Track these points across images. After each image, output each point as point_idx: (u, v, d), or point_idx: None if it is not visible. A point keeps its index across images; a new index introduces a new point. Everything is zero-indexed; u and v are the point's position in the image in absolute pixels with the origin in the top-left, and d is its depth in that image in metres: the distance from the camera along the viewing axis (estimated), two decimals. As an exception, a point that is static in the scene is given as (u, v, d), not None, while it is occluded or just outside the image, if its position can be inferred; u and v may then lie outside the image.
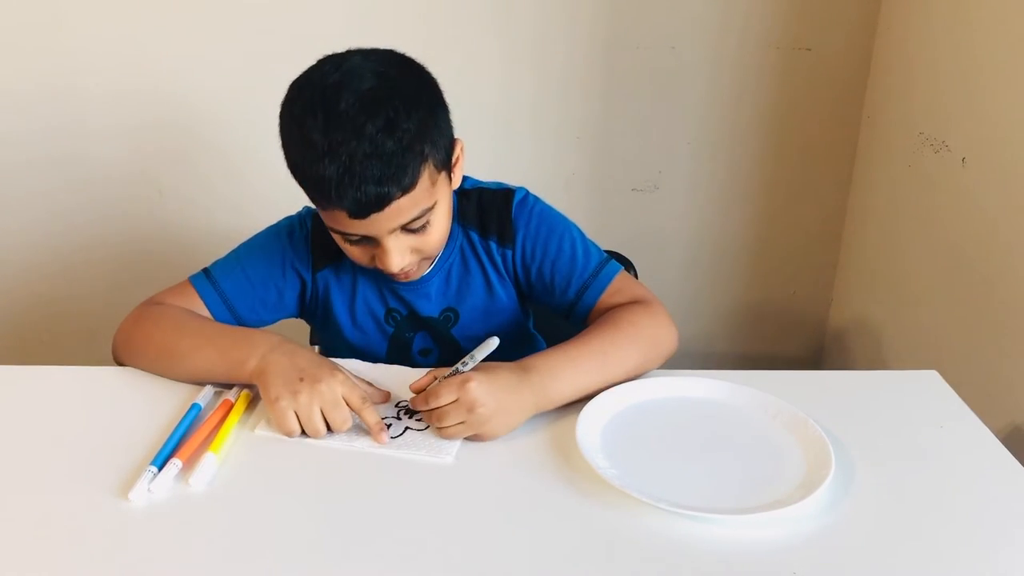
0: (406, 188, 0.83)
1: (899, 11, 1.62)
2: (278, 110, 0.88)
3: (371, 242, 0.89)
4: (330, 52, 0.88)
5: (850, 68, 1.73)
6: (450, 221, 0.95)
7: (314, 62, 0.87)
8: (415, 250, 0.91)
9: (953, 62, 1.45)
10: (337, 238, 0.91)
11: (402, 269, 0.91)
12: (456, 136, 0.92)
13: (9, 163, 1.73)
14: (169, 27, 1.63)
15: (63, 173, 1.74)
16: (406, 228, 0.87)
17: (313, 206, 1.04)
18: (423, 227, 0.89)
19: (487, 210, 1.02)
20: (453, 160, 0.92)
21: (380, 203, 0.82)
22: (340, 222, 0.85)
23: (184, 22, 1.63)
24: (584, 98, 1.74)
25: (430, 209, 0.88)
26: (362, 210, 0.82)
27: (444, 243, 0.95)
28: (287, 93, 0.86)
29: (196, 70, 1.67)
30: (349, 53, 0.86)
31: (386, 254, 0.88)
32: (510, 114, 1.75)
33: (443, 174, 0.89)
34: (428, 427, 0.84)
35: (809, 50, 1.71)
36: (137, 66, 1.66)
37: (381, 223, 0.84)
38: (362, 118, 0.79)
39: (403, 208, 0.84)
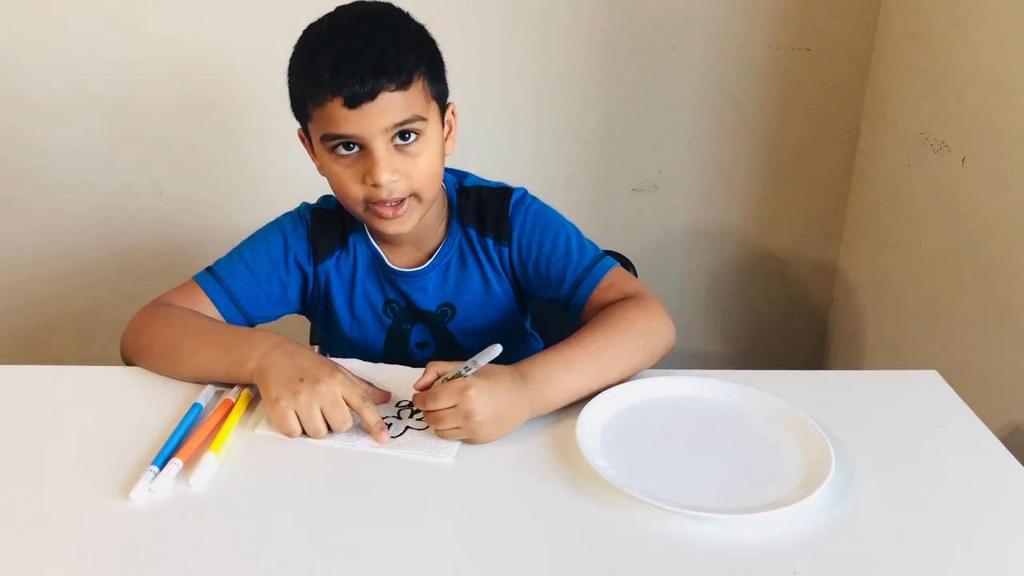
0: (400, 83, 0.87)
1: (899, 11, 1.62)
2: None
3: (362, 152, 0.89)
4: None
5: (850, 68, 1.73)
6: (441, 166, 0.96)
7: None
8: (404, 174, 0.90)
9: (953, 62, 1.45)
10: (326, 155, 0.91)
11: (390, 192, 0.90)
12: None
13: (9, 164, 1.73)
14: (171, 26, 1.63)
15: (63, 172, 1.74)
16: (396, 137, 0.89)
17: (312, 203, 1.05)
18: (414, 141, 0.90)
19: (485, 208, 1.03)
20: (447, 117, 0.96)
21: (373, 92, 0.85)
22: (333, 120, 0.87)
23: (187, 21, 1.63)
24: (584, 98, 1.74)
25: (423, 120, 0.90)
26: (356, 98, 0.85)
27: (435, 187, 0.95)
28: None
29: (196, 69, 1.67)
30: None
31: (376, 165, 0.88)
32: (510, 114, 1.75)
33: (436, 106, 0.93)
34: (429, 426, 0.84)
35: (809, 50, 1.71)
36: (139, 65, 1.66)
37: (373, 117, 0.86)
38: (363, 18, 0.88)
39: (395, 104, 0.87)
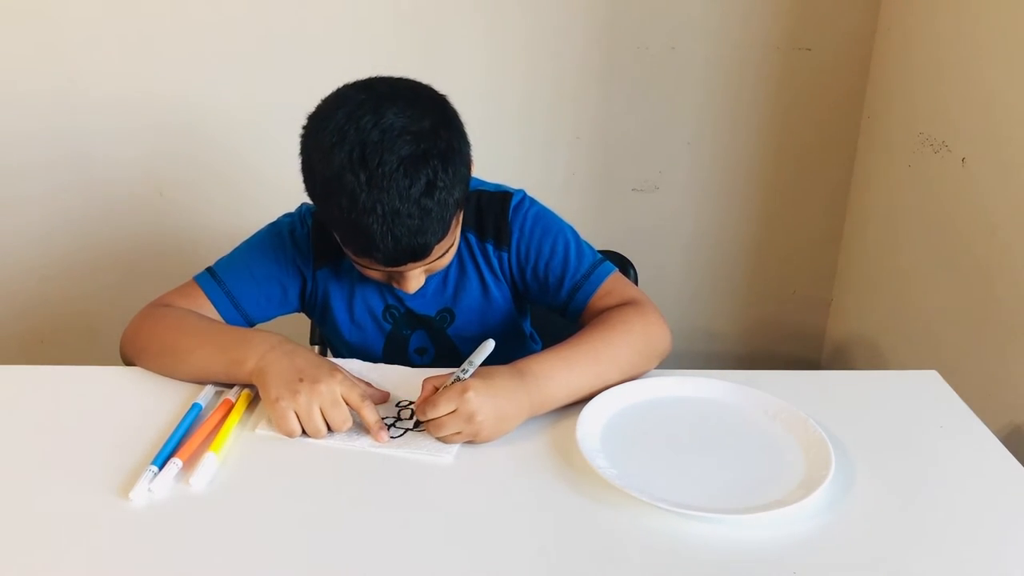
0: (440, 237, 0.87)
1: (899, 11, 1.62)
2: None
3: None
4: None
5: (850, 68, 1.73)
6: (458, 239, 0.98)
7: (337, 99, 0.85)
8: (428, 271, 0.95)
9: (953, 62, 1.45)
10: (357, 265, 0.93)
11: (416, 290, 0.96)
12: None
13: (10, 163, 1.73)
14: (170, 27, 1.63)
15: (64, 173, 1.74)
16: None
17: (313, 205, 1.04)
18: (442, 255, 0.92)
19: (485, 213, 1.03)
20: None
21: (417, 256, 0.86)
22: (370, 264, 0.89)
23: (186, 22, 1.63)
24: (584, 98, 1.74)
25: (452, 244, 0.92)
26: (398, 261, 0.86)
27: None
28: (314, 131, 0.85)
29: (197, 70, 1.67)
30: (380, 104, 0.83)
31: (407, 281, 0.93)
32: (511, 114, 1.75)
33: (462, 209, 0.93)
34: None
35: (809, 50, 1.71)
36: (138, 66, 1.66)
37: (411, 265, 0.89)
38: (405, 181, 0.82)
39: (434, 252, 0.88)
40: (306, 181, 0.87)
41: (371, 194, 0.81)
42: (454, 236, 0.92)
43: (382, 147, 0.81)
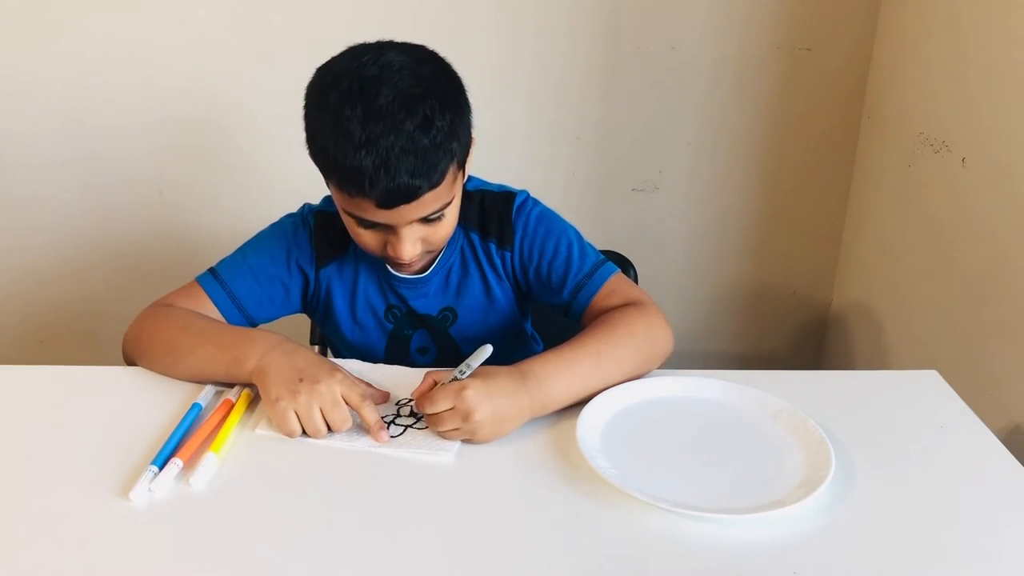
0: (434, 184, 0.85)
1: (899, 11, 1.62)
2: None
3: (385, 229, 0.90)
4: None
5: (850, 68, 1.73)
6: (458, 215, 0.97)
7: (344, 50, 0.87)
8: (425, 240, 0.93)
9: (953, 62, 1.45)
10: (350, 224, 0.92)
11: (411, 261, 0.93)
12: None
13: (10, 163, 1.73)
14: (172, 25, 1.63)
15: (63, 173, 1.74)
16: (423, 219, 0.89)
17: (315, 204, 1.05)
18: (438, 218, 0.91)
19: (488, 212, 1.03)
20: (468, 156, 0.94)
21: (409, 197, 0.84)
22: (364, 210, 0.87)
23: (187, 21, 1.63)
24: (584, 98, 1.74)
25: (448, 203, 0.90)
26: (391, 202, 0.84)
27: (450, 236, 0.97)
28: (317, 79, 0.87)
29: (198, 70, 1.67)
30: (383, 47, 0.86)
31: (400, 242, 0.90)
32: (510, 114, 1.75)
33: (461, 171, 0.91)
34: (428, 426, 0.84)
35: (809, 50, 1.71)
36: (139, 66, 1.66)
37: (404, 214, 0.87)
38: (401, 114, 0.81)
39: (427, 202, 0.86)
40: (307, 130, 0.87)
41: (367, 126, 0.81)
42: (451, 195, 0.90)
43: (380, 81, 0.82)
